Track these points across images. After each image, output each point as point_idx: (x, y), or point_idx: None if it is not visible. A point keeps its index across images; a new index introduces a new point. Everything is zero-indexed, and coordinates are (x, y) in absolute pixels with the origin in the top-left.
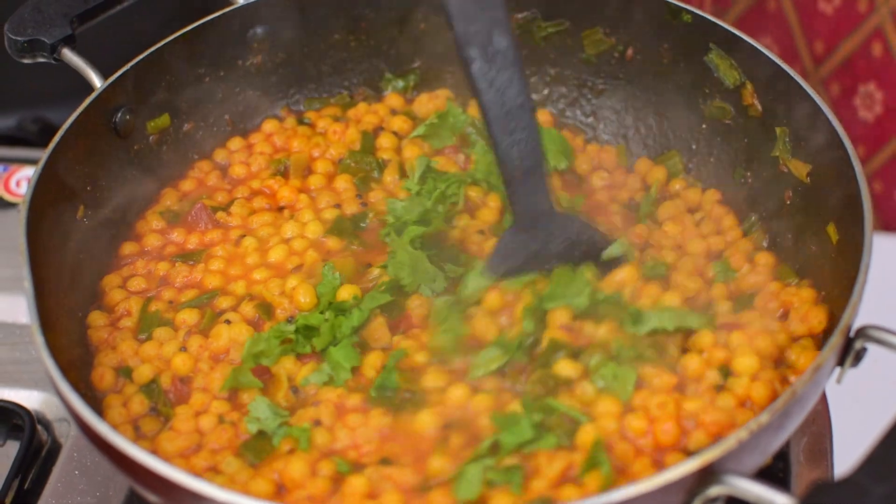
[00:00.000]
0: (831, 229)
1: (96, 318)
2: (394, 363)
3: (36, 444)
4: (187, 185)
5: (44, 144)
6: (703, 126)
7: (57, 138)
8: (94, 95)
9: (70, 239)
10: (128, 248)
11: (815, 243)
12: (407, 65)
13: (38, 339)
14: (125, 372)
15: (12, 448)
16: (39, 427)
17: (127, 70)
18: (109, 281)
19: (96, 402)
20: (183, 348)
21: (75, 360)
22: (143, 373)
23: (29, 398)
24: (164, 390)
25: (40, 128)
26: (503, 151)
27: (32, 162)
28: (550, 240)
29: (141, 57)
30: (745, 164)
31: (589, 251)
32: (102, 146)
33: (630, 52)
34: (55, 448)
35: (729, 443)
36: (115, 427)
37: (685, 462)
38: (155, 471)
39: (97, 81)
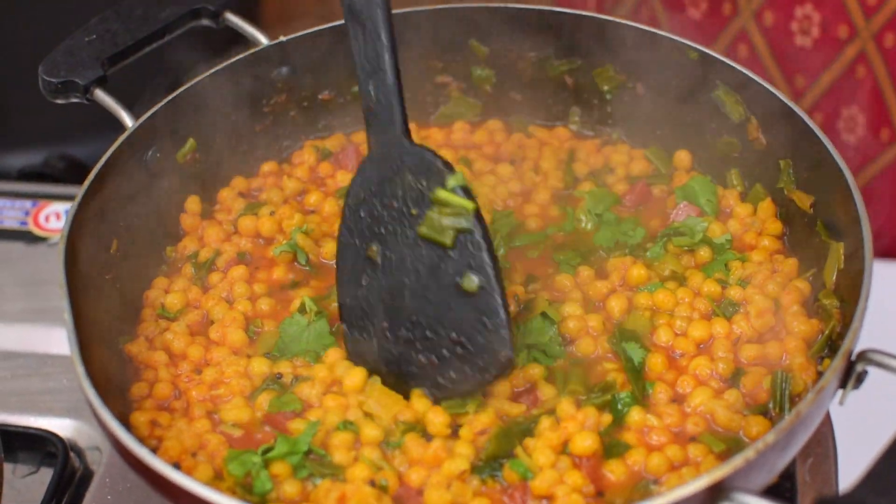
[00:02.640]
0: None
1: (134, 346)
2: None
3: (69, 471)
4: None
5: (70, 181)
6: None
7: (91, 176)
8: (126, 134)
9: (105, 272)
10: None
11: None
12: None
13: (79, 369)
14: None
15: (46, 475)
16: (72, 454)
17: (157, 109)
18: (149, 302)
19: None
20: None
21: (111, 389)
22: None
23: (62, 426)
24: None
25: (66, 165)
26: (364, 90)
27: (60, 198)
28: (402, 166)
29: (170, 97)
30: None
31: (432, 178)
32: (133, 183)
33: (640, 88)
34: (87, 475)
35: (736, 461)
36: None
37: (695, 480)
38: (196, 494)
39: (128, 121)
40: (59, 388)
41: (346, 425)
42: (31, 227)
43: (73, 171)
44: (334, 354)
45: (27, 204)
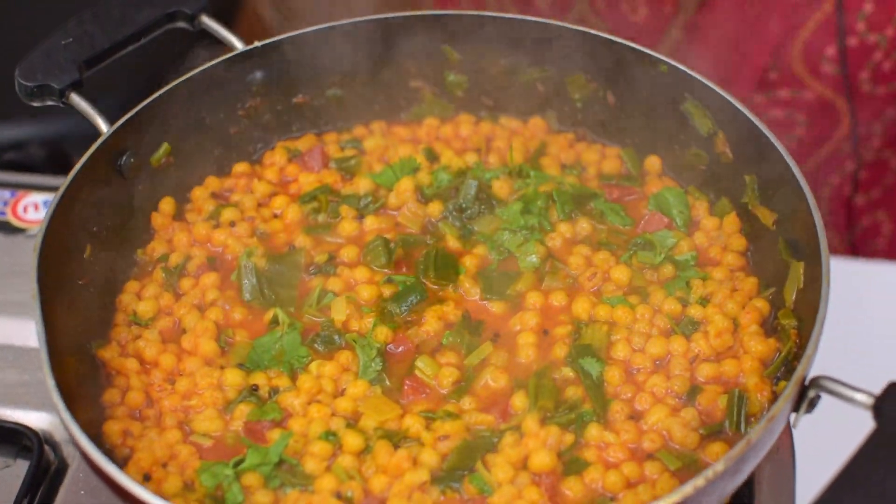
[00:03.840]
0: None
1: (107, 352)
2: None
3: (44, 464)
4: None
5: (50, 170)
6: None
7: (64, 186)
8: (100, 141)
9: (79, 277)
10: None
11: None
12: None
13: (50, 381)
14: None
15: (21, 468)
16: (47, 448)
17: (132, 116)
18: (123, 306)
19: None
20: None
21: (84, 394)
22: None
23: (37, 420)
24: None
25: (47, 153)
26: None
27: (39, 188)
28: None
29: (145, 103)
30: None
31: None
32: (107, 188)
33: (611, 97)
34: (62, 468)
35: (686, 490)
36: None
37: None
38: None
39: (103, 126)
40: (34, 381)
41: (328, 436)
42: (10, 218)
43: (53, 161)
44: (321, 366)
45: (6, 194)
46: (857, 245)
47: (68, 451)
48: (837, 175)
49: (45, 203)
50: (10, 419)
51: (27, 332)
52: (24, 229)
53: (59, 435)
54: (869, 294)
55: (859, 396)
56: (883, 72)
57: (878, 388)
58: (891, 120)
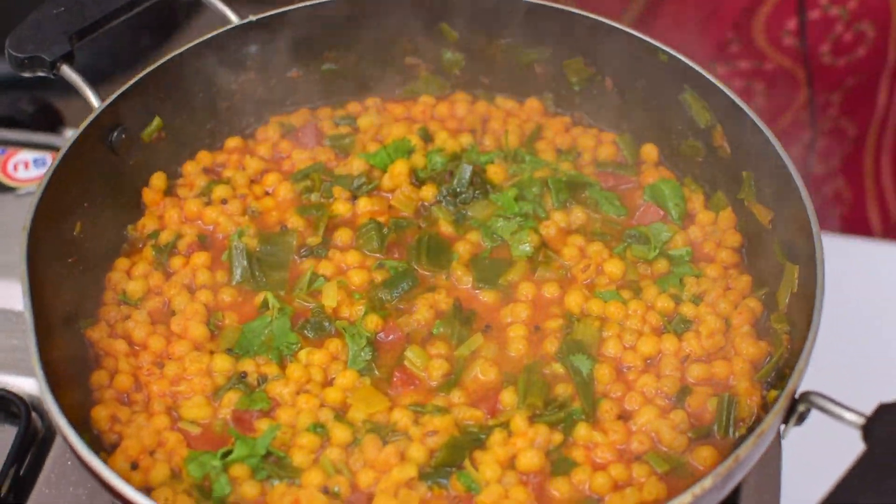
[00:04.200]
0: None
1: (95, 332)
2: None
3: (31, 432)
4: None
5: (41, 127)
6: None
7: (55, 163)
8: (91, 117)
9: (68, 255)
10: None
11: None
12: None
13: (37, 364)
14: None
15: (7, 434)
16: (34, 415)
17: (124, 91)
18: (111, 284)
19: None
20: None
21: (72, 375)
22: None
23: (25, 385)
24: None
25: (37, 109)
26: None
27: (30, 146)
28: None
29: (137, 77)
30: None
31: None
32: (98, 163)
33: (609, 83)
34: (49, 436)
35: None
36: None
37: None
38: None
39: (94, 101)
40: (22, 345)
41: (316, 427)
42: (0, 177)
43: (43, 117)
44: (311, 354)
45: None
46: (819, 215)
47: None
48: (797, 146)
49: (35, 161)
50: None
51: (16, 295)
52: (15, 188)
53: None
54: (863, 299)
55: (849, 416)
56: (844, 43)
57: (868, 404)
58: (849, 89)
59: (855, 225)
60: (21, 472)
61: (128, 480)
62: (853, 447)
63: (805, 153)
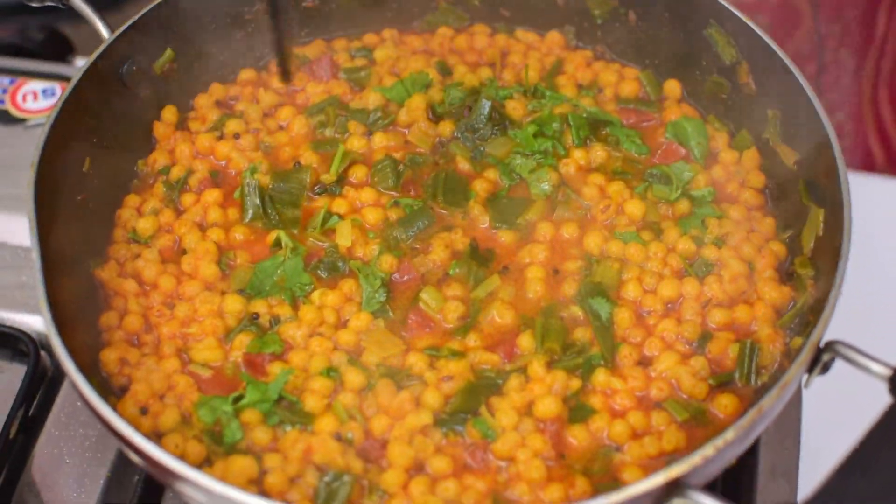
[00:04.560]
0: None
1: (105, 272)
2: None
3: (40, 371)
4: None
5: (49, 56)
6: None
7: (65, 95)
8: (101, 48)
9: (77, 192)
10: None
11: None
12: None
13: (46, 315)
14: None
15: (15, 373)
16: (43, 354)
17: (135, 21)
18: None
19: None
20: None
21: (80, 316)
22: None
23: (34, 323)
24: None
25: (46, 37)
26: None
27: (39, 75)
28: None
29: (148, 7)
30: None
31: None
32: (108, 97)
33: (632, 16)
34: (58, 376)
35: (694, 459)
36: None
37: (652, 476)
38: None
39: (104, 32)
40: (30, 283)
41: (329, 371)
42: (9, 107)
43: (52, 45)
44: (324, 295)
45: (5, 81)
46: None
47: None
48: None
49: (44, 92)
50: (4, 322)
51: (24, 230)
52: (24, 119)
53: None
54: (890, 244)
55: (876, 367)
56: None
57: (893, 355)
58: (849, 19)
59: (857, 157)
60: (30, 413)
61: (137, 427)
62: (875, 396)
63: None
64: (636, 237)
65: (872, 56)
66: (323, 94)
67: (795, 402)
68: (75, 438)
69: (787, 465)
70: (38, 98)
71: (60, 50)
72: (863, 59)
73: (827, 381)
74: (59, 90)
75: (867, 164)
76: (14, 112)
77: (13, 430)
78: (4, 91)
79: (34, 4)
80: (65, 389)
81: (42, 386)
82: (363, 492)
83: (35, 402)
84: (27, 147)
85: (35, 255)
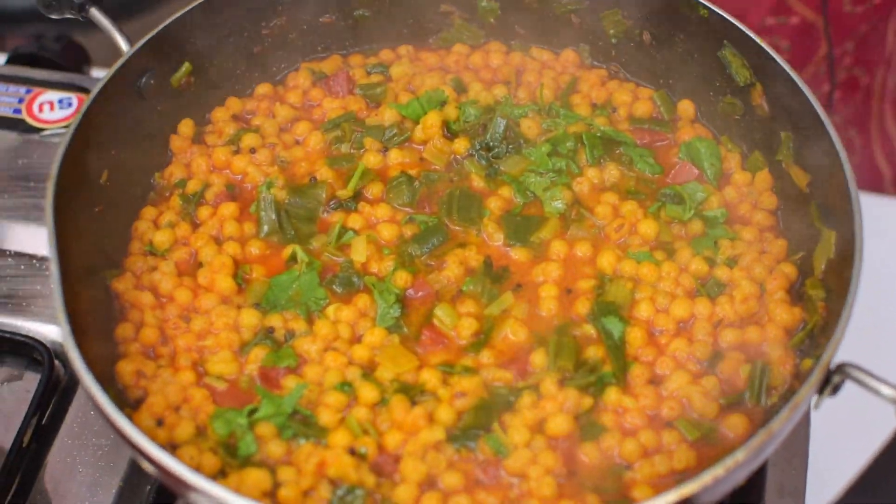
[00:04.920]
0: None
1: (121, 283)
2: None
3: (54, 380)
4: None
5: (66, 66)
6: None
7: (84, 108)
8: (120, 62)
9: (95, 204)
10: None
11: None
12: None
13: (65, 328)
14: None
15: (30, 382)
16: (57, 363)
17: (154, 35)
18: (138, 232)
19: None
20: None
21: (97, 328)
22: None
23: (48, 332)
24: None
25: (63, 47)
26: None
27: (55, 86)
28: None
29: (167, 21)
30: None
31: None
32: (126, 109)
33: (647, 36)
34: (72, 385)
35: (705, 479)
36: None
37: (663, 494)
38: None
39: (123, 45)
40: (47, 292)
41: (343, 386)
42: (25, 117)
43: (70, 54)
44: (339, 310)
45: (21, 90)
46: None
47: None
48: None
49: (60, 102)
50: (20, 330)
51: (40, 240)
52: (41, 129)
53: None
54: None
55: (885, 390)
56: None
57: None
58: (862, 37)
59: (866, 174)
60: (43, 421)
61: (153, 438)
62: (881, 417)
63: (824, 105)
64: (649, 257)
65: (881, 70)
66: (339, 110)
67: (803, 423)
68: (88, 447)
69: (795, 484)
70: (55, 108)
71: (76, 60)
72: (872, 75)
73: (834, 402)
74: (75, 100)
75: (875, 182)
76: (31, 121)
77: (27, 438)
78: (21, 101)
79: (53, 17)
80: (78, 398)
81: (56, 395)
82: None
83: (48, 411)
84: (43, 157)
85: (53, 266)
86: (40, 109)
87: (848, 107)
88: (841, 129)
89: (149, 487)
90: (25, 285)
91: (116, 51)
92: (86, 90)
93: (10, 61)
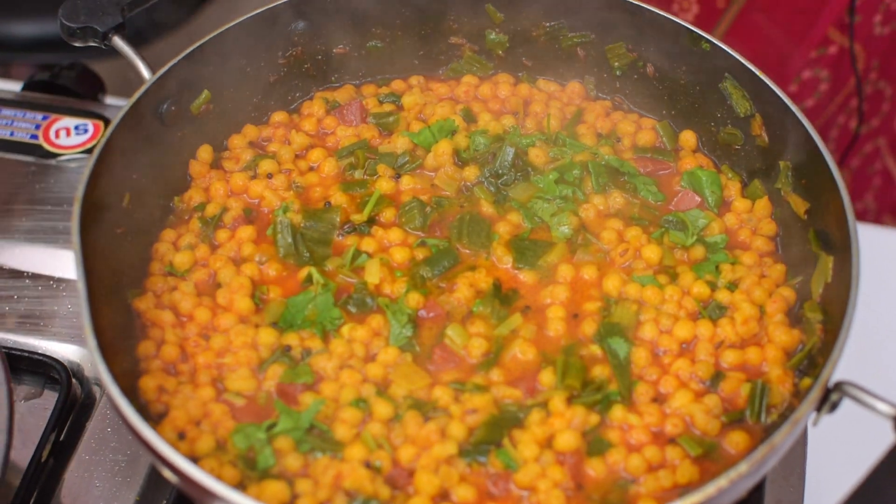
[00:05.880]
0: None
1: (142, 302)
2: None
3: (72, 398)
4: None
5: (82, 93)
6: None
7: (108, 132)
8: (143, 89)
9: (117, 226)
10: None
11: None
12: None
13: (91, 342)
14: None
15: (48, 400)
16: (74, 382)
17: (175, 63)
18: (158, 253)
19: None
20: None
21: (119, 345)
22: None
23: (66, 352)
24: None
25: (78, 74)
26: None
27: (73, 112)
28: None
29: (188, 50)
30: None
31: None
32: (148, 136)
33: (650, 69)
34: (89, 403)
35: (709, 490)
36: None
37: None
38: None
39: (146, 73)
40: (64, 312)
41: (359, 403)
42: (42, 143)
43: (84, 82)
44: (353, 330)
45: (38, 117)
46: (855, 171)
47: (95, 387)
48: (844, 114)
49: (76, 128)
50: (38, 350)
51: (58, 261)
52: (57, 154)
53: (87, 369)
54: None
55: (882, 406)
56: (892, 11)
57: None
58: (886, 52)
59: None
60: (61, 438)
61: (178, 450)
62: (876, 433)
63: (849, 118)
64: (653, 280)
65: None
66: (352, 138)
67: (801, 439)
68: (105, 463)
69: (792, 500)
70: (71, 134)
71: (91, 87)
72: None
73: (831, 419)
74: (91, 127)
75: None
76: (47, 147)
77: (45, 454)
78: (38, 127)
79: (77, 44)
80: (96, 415)
81: (73, 412)
82: None
83: (66, 428)
84: (59, 182)
85: (80, 286)
86: (56, 135)
87: (875, 117)
88: (868, 138)
89: (165, 502)
90: (43, 306)
91: (128, 79)
92: (101, 117)
93: (26, 88)
